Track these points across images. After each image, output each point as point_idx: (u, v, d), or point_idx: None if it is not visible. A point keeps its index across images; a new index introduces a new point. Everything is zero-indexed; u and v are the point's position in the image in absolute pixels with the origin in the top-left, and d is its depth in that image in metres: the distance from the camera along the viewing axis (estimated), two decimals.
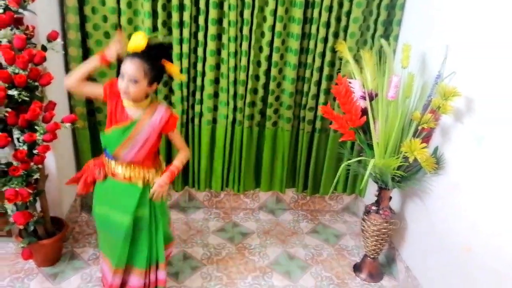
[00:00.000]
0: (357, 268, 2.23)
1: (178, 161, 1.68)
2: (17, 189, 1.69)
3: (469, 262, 1.61)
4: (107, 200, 1.66)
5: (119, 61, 1.50)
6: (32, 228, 1.89)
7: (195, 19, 2.13)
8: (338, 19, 2.19)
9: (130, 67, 1.43)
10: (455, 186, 1.72)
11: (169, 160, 2.45)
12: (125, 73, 1.44)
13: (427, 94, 1.83)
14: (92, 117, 2.30)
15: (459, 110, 1.68)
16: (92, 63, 1.51)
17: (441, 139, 1.82)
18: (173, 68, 1.55)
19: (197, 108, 2.32)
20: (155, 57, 1.48)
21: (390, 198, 2.05)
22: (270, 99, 2.34)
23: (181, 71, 2.20)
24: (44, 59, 1.64)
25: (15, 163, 1.67)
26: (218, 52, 2.21)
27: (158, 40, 1.59)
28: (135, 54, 1.44)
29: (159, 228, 1.71)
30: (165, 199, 1.76)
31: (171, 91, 2.29)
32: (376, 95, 1.92)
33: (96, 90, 1.57)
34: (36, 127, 1.68)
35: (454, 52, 1.74)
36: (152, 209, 1.68)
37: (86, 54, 2.13)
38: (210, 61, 2.19)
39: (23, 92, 1.61)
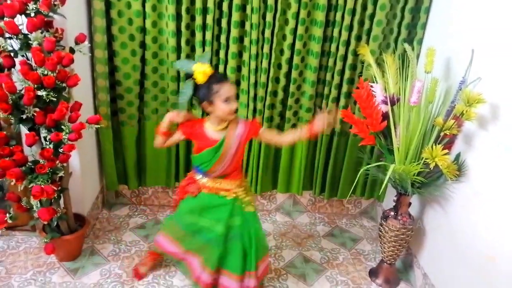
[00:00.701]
0: (373, 273, 2.22)
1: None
2: (42, 186, 1.73)
3: (492, 272, 1.58)
4: (198, 210, 1.78)
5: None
6: (55, 223, 1.95)
7: (218, 22, 2.15)
8: (361, 22, 2.18)
9: (233, 89, 1.64)
10: (477, 194, 1.69)
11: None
12: (230, 95, 1.62)
13: (450, 100, 1.80)
14: (115, 117, 2.34)
15: (483, 116, 1.65)
16: (176, 138, 1.77)
17: (464, 146, 1.79)
18: None
19: None
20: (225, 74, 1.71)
21: (410, 204, 2.03)
22: (290, 101, 2.34)
23: None
24: (72, 61, 1.69)
25: (41, 161, 1.72)
26: (240, 54, 2.23)
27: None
28: (219, 77, 1.64)
29: (252, 236, 1.77)
30: (254, 209, 1.86)
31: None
32: (398, 99, 1.90)
33: (177, 138, 1.78)
34: (62, 126, 1.73)
35: (480, 57, 1.71)
36: (243, 218, 1.77)
37: (111, 56, 2.18)
38: (232, 63, 2.21)
39: (51, 93, 1.65)
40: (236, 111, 1.66)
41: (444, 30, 2.05)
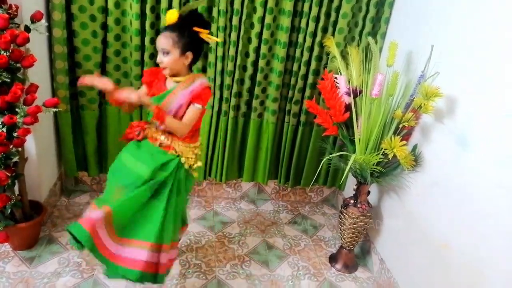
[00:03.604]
0: (333, 258, 2.30)
1: (170, 118, 1.55)
2: None
3: (445, 258, 1.67)
4: (135, 153, 1.60)
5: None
6: (9, 211, 1.86)
7: (184, 4, 2.10)
8: (328, 14, 2.21)
9: (160, 40, 1.50)
10: (432, 184, 1.78)
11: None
12: (158, 47, 1.51)
13: (409, 93, 1.87)
14: (74, 101, 2.25)
15: (440, 110, 1.73)
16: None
17: (421, 138, 1.88)
18: (204, 33, 1.55)
19: None
20: (182, 25, 1.51)
21: (369, 192, 2.11)
22: (257, 90, 2.34)
23: None
24: (27, 40, 1.60)
25: None
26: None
27: (188, 8, 1.58)
28: (165, 27, 1.52)
29: (178, 205, 1.64)
30: (192, 182, 1.74)
31: None
32: (361, 92, 1.95)
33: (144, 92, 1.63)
34: (16, 109, 1.64)
35: (439, 52, 1.78)
36: (176, 182, 1.61)
37: (70, 36, 2.08)
38: None
39: (4, 73, 1.57)
40: (160, 65, 1.53)
41: (407, 25, 2.11)
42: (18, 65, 1.62)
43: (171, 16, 1.51)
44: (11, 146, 1.68)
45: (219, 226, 2.47)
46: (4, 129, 1.64)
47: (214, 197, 2.75)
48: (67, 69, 2.12)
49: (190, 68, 1.60)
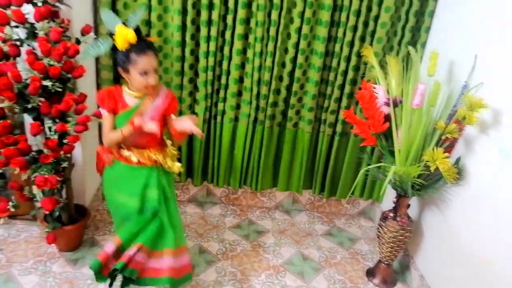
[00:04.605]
0: (370, 273, 2.24)
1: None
2: (46, 176, 1.75)
3: (488, 275, 1.60)
4: (116, 184, 1.70)
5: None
6: (57, 214, 1.96)
7: (223, 18, 2.16)
8: (366, 24, 2.19)
9: (152, 61, 1.51)
10: (476, 198, 1.71)
11: (189, 154, 2.50)
12: (148, 68, 1.51)
13: (452, 104, 1.82)
14: None
15: (484, 121, 1.67)
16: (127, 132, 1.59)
17: (464, 150, 1.81)
18: None
19: (220, 106, 2.35)
20: (152, 44, 1.55)
21: (409, 205, 2.05)
22: (293, 100, 2.35)
23: (206, 68, 2.25)
24: (77, 52, 1.70)
25: (46, 151, 1.73)
26: (244, 51, 2.24)
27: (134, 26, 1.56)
28: (143, 48, 1.50)
29: (171, 214, 1.70)
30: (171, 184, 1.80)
31: (196, 88, 2.34)
32: (400, 102, 1.91)
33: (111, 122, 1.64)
34: (68, 118, 1.74)
35: (483, 62, 1.72)
36: (161, 191, 1.69)
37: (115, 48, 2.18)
38: (236, 60, 2.23)
39: (57, 83, 1.67)
40: (155, 85, 1.54)
41: (448, 34, 2.06)
42: (69, 75, 1.73)
43: (131, 35, 1.48)
44: (61, 152, 1.78)
45: (254, 235, 2.47)
46: (56, 136, 1.74)
47: (249, 206, 2.77)
48: (112, 79, 2.23)
49: None
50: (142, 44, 1.51)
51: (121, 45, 1.48)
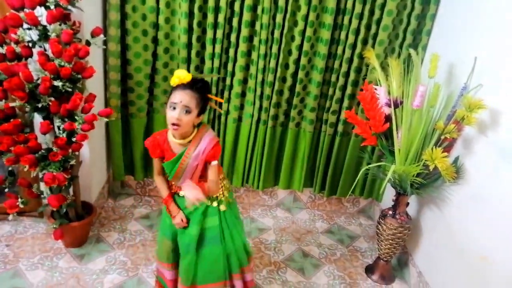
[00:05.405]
0: (369, 269, 2.29)
1: (207, 187, 1.60)
2: (54, 173, 1.79)
3: (485, 271, 1.65)
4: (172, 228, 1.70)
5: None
6: (64, 210, 2.00)
7: (229, 20, 2.21)
8: (368, 27, 2.24)
9: (184, 96, 1.43)
10: (474, 197, 1.76)
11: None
12: (177, 102, 1.43)
13: (451, 105, 1.87)
14: (125, 109, 2.40)
15: (483, 122, 1.72)
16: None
17: (463, 150, 1.86)
18: (213, 101, 1.57)
19: (224, 106, 2.40)
20: (203, 88, 1.49)
21: (408, 204, 2.10)
22: (295, 101, 2.40)
23: (212, 70, 2.30)
24: (88, 53, 1.74)
25: (55, 149, 1.77)
26: (249, 53, 2.28)
27: (201, 76, 1.57)
28: (185, 85, 1.45)
29: (234, 235, 1.68)
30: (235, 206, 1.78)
31: None
32: (401, 103, 1.96)
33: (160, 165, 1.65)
34: (75, 117, 1.78)
35: (482, 64, 1.77)
36: (223, 219, 1.66)
37: (123, 49, 2.24)
38: (241, 61, 2.27)
39: (67, 84, 1.71)
40: (177, 123, 1.44)
41: (449, 37, 2.11)
42: (79, 76, 1.77)
43: (186, 76, 1.45)
44: (70, 150, 1.82)
45: (256, 232, 2.52)
46: (64, 135, 1.79)
47: (250, 204, 2.81)
48: (119, 80, 2.28)
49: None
50: (187, 83, 1.46)
51: (172, 81, 1.46)
